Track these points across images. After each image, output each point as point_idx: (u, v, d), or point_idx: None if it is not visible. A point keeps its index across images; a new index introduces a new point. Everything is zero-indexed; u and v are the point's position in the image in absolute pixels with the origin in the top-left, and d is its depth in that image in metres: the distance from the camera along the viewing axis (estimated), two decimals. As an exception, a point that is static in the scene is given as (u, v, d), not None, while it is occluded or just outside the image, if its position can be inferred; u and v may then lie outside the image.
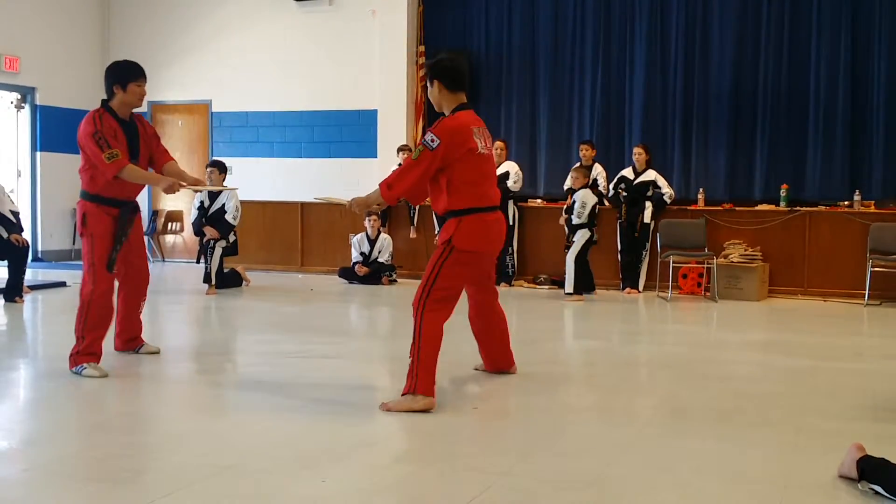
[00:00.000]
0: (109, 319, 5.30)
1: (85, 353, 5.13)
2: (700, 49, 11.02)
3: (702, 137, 11.03)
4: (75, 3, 13.05)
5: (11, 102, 12.46)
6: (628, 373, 5.77)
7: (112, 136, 5.14)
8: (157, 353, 5.84)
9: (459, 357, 5.39)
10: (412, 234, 11.17)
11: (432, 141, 4.51)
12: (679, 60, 11.09)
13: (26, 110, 12.56)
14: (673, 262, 9.46)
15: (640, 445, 3.91)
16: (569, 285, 9.29)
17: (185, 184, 5.45)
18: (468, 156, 4.56)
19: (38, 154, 12.60)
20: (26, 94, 12.51)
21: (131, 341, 5.80)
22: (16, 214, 8.59)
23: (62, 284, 9.72)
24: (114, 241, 5.26)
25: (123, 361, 5.66)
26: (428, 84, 4.76)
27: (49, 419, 4.32)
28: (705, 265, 9.64)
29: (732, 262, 9.56)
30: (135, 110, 5.43)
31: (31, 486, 3.29)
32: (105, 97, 5.34)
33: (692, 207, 10.25)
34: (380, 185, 4.70)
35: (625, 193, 10.06)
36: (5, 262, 8.48)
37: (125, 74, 5.28)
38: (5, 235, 8.34)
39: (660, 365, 6.05)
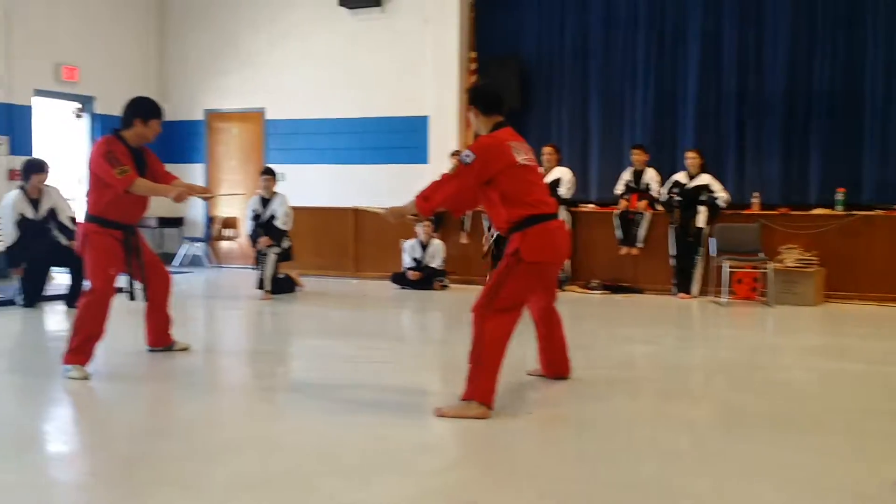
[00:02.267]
0: (102, 326, 5.50)
1: (77, 352, 5.35)
2: (754, 51, 10.88)
3: (756, 141, 10.89)
4: (133, 14, 13.33)
5: (72, 111, 12.76)
6: (683, 378, 5.72)
7: (122, 156, 5.44)
8: (186, 349, 6.14)
9: (512, 361, 5.39)
10: (463, 240, 11.19)
11: (467, 156, 4.65)
12: (732, 63, 10.96)
13: (85, 119, 12.85)
14: (728, 267, 9.35)
15: (697, 451, 3.88)
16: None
17: (194, 192, 5.84)
18: (510, 169, 4.64)
19: (98, 162, 12.85)
20: (85, 103, 12.79)
21: (162, 338, 6.08)
22: (74, 221, 8.79)
23: (120, 290, 9.88)
24: (122, 262, 5.61)
25: (181, 367, 5.77)
26: (469, 112, 4.95)
27: (110, 424, 4.42)
28: (760, 270, 9.51)
29: (788, 266, 9.42)
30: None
31: (94, 490, 3.37)
32: (118, 127, 5.65)
33: (747, 212, 10.11)
34: (416, 196, 4.79)
35: (678, 198, 9.97)
36: (66, 269, 8.69)
37: (150, 111, 5.65)
38: (65, 242, 8.54)
39: (715, 370, 5.99)
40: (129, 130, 5.58)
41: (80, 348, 5.35)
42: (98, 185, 5.50)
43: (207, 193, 6.27)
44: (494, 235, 7.55)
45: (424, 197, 4.76)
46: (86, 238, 5.55)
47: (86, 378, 5.23)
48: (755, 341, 7.39)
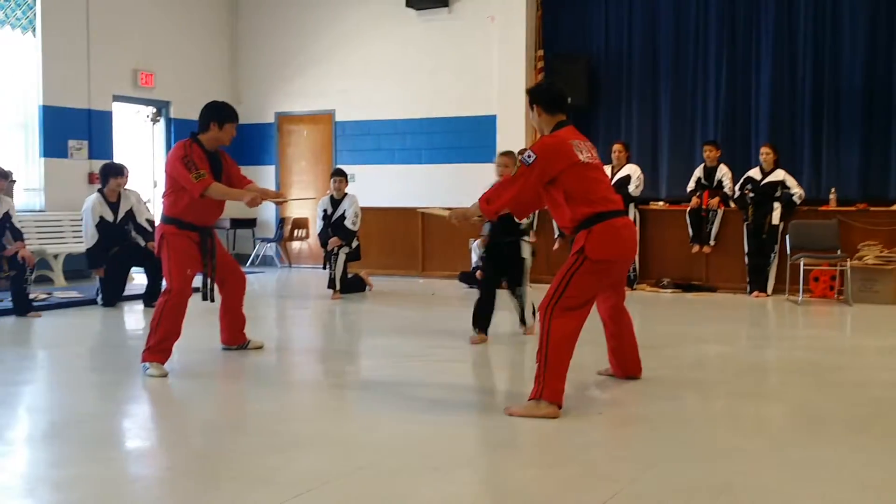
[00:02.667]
0: (179, 325, 5.60)
1: (155, 350, 5.45)
2: (830, 43, 10.62)
3: (833, 135, 10.63)
4: (205, 20, 13.60)
5: (147, 116, 13.08)
6: (758, 379, 5.61)
7: (199, 160, 5.55)
8: (260, 347, 6.27)
9: (583, 360, 5.35)
10: (532, 239, 11.13)
11: (529, 157, 4.63)
12: (808, 56, 10.72)
13: (161, 123, 13.16)
14: (804, 265, 9.14)
15: (772, 454, 3.79)
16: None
17: (267, 197, 5.97)
18: (573, 167, 4.59)
19: (173, 165, 13.15)
20: (161, 108, 13.11)
21: (236, 336, 6.21)
22: (151, 223, 9.00)
23: (195, 290, 10.10)
24: (199, 263, 5.73)
25: (254, 365, 5.87)
26: (531, 111, 4.89)
27: (185, 419, 4.52)
28: (838, 267, 9.27)
29: (867, 264, 9.15)
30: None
31: (172, 484, 3.45)
32: (195, 131, 5.77)
33: (823, 208, 9.87)
34: (479, 199, 4.80)
35: (752, 194, 9.78)
36: (144, 270, 8.91)
37: (225, 115, 5.76)
38: (142, 244, 8.76)
39: (791, 371, 5.86)
40: (205, 134, 5.70)
41: (158, 347, 5.47)
42: (175, 187, 5.64)
43: (280, 198, 6.43)
44: (482, 251, 7.50)
45: (487, 199, 4.80)
46: (163, 239, 5.67)
47: (163, 375, 5.36)
48: (833, 341, 7.21)
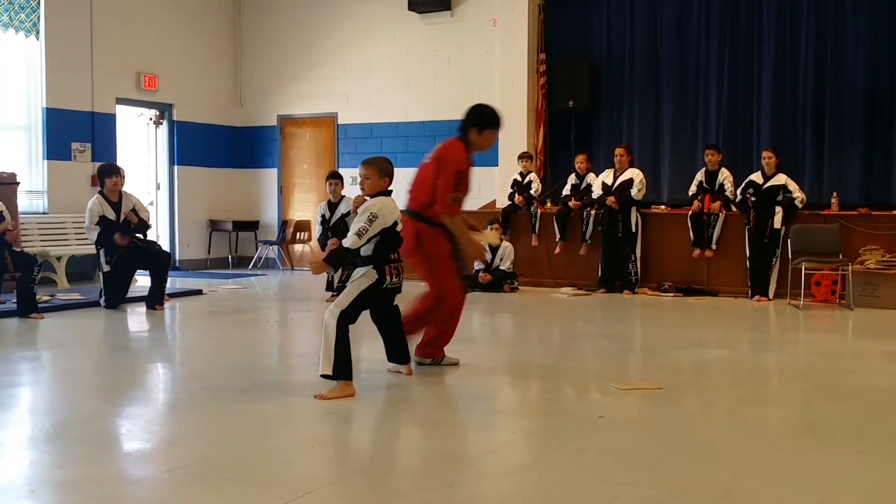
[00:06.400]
0: (455, 327, 5.62)
1: (440, 347, 5.53)
2: (832, 46, 10.63)
3: (835, 139, 10.63)
4: (208, 23, 13.64)
5: (150, 119, 13.11)
6: (759, 383, 5.60)
7: (465, 179, 5.35)
8: (456, 364, 5.72)
9: (583, 367, 5.36)
10: (534, 242, 11.15)
11: None
12: (810, 60, 10.73)
13: (164, 126, 13.19)
14: (805, 269, 9.14)
15: (773, 458, 3.80)
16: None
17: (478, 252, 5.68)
18: None
19: (176, 168, 13.20)
20: (164, 110, 13.14)
21: (436, 350, 5.75)
22: (146, 224, 8.94)
23: (199, 292, 10.15)
24: (454, 260, 5.49)
25: (252, 367, 5.86)
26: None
27: (187, 421, 4.52)
28: (840, 272, 9.27)
29: (869, 268, 9.15)
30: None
31: (173, 485, 3.46)
32: (462, 133, 5.53)
33: (825, 212, 9.87)
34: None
35: (753, 198, 9.78)
36: (147, 272, 8.93)
37: (486, 121, 5.48)
38: (141, 244, 8.79)
39: (792, 375, 5.86)
40: (465, 138, 5.46)
41: (440, 342, 5.51)
42: (432, 185, 5.37)
43: (495, 243, 6.30)
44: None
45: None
46: (420, 239, 5.40)
47: (456, 363, 5.56)
48: (834, 346, 7.21)
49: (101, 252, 8.65)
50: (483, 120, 5.47)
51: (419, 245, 5.40)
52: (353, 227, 4.90)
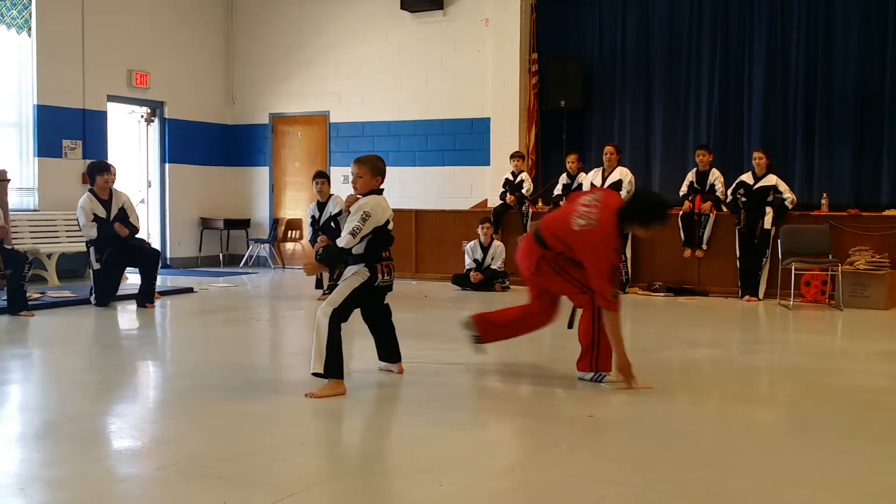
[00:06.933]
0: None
1: (599, 358, 5.14)
2: (823, 47, 10.67)
3: (825, 140, 10.67)
4: (200, 21, 13.61)
5: (142, 116, 13.07)
6: (748, 383, 5.63)
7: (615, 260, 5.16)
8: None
9: (572, 365, 5.37)
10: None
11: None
12: (800, 60, 10.77)
13: (155, 123, 13.16)
14: (795, 270, 9.18)
15: (762, 457, 3.82)
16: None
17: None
18: None
19: (167, 166, 13.18)
20: (155, 108, 13.11)
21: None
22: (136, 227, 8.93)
23: (189, 291, 10.13)
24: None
25: (244, 366, 5.86)
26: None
27: (178, 419, 4.52)
28: (829, 272, 9.31)
29: (858, 269, 9.20)
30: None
31: (164, 483, 3.46)
32: (624, 218, 5.10)
33: (815, 213, 9.91)
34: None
35: (744, 199, 9.81)
36: (137, 270, 8.91)
37: (658, 218, 5.16)
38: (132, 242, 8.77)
39: (781, 375, 5.88)
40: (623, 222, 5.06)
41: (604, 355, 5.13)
42: (562, 233, 5.12)
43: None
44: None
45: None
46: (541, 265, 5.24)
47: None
48: (823, 346, 7.24)
49: (92, 249, 8.63)
50: (655, 218, 5.10)
51: (539, 270, 5.22)
52: (347, 227, 4.90)
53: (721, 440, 4.13)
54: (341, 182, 12.23)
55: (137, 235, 9.06)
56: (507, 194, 11.18)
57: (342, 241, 4.86)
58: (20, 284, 7.89)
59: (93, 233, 8.58)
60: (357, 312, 5.18)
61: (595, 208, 5.02)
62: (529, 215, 11.08)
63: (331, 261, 4.97)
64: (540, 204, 11.28)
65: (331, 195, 9.71)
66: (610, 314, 4.98)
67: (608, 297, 4.91)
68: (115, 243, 8.64)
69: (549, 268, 5.17)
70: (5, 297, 8.04)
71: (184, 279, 11.42)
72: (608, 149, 10.42)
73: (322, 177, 9.77)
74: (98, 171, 8.73)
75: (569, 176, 10.98)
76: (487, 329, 5.58)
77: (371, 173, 5.03)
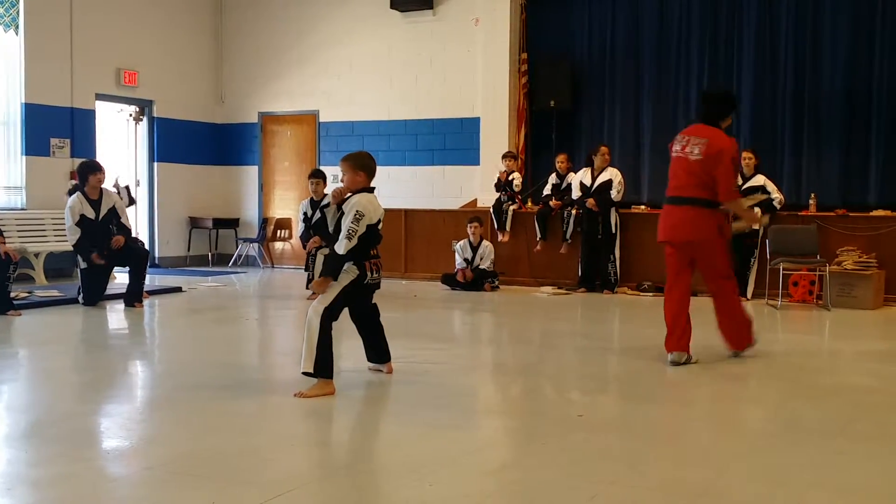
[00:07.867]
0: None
1: (680, 339, 5.78)
2: (811, 48, 10.70)
3: (813, 140, 10.71)
4: (190, 19, 13.57)
5: (130, 115, 13.03)
6: (737, 383, 5.64)
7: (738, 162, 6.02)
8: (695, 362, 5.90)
9: (562, 364, 5.38)
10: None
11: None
12: (789, 60, 10.80)
13: (144, 122, 13.11)
14: (783, 270, 9.21)
15: (752, 457, 3.83)
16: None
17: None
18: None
19: (156, 164, 13.13)
20: (144, 106, 13.06)
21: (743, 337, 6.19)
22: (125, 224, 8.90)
23: (178, 290, 10.10)
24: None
25: (234, 365, 5.84)
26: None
27: (166, 419, 4.51)
28: (817, 272, 9.35)
29: (846, 269, 9.24)
30: None
31: (152, 483, 3.45)
32: (716, 120, 5.85)
33: (803, 213, 9.94)
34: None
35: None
36: (126, 269, 8.87)
37: (734, 107, 6.05)
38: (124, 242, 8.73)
39: (770, 375, 5.90)
40: (724, 123, 5.85)
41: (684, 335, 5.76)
42: (712, 175, 5.64)
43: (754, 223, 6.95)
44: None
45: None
46: (721, 228, 5.78)
47: (689, 362, 5.74)
48: (811, 346, 7.27)
49: (76, 251, 8.58)
50: (733, 106, 5.96)
51: (721, 232, 5.76)
52: (343, 231, 4.89)
53: (711, 439, 4.14)
54: (331, 181, 12.19)
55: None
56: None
57: (341, 248, 4.86)
58: (4, 284, 7.84)
59: (73, 238, 8.52)
60: (346, 313, 5.16)
61: (688, 137, 5.78)
62: (510, 212, 11.06)
63: (334, 270, 4.96)
64: (529, 204, 11.28)
65: (325, 195, 9.70)
66: (736, 201, 5.88)
67: (732, 189, 5.72)
68: (104, 240, 8.58)
69: (722, 238, 5.76)
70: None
71: (172, 278, 11.38)
72: (604, 148, 10.46)
73: (318, 176, 9.74)
74: (91, 171, 8.68)
75: (558, 176, 10.99)
76: (738, 337, 6.11)
77: (353, 169, 5.01)
